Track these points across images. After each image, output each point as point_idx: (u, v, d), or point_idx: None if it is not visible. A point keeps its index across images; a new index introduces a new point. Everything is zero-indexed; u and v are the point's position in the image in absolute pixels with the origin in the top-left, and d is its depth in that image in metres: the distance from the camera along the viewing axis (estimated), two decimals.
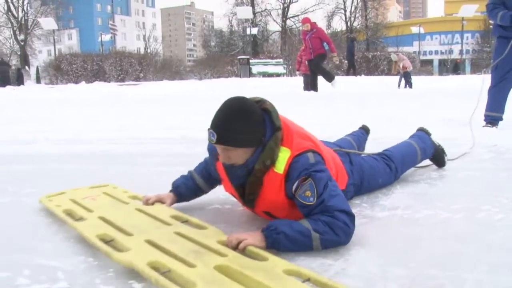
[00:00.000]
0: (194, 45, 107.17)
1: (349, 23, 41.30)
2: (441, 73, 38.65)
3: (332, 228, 1.51)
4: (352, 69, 17.94)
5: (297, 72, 9.40)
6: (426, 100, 7.93)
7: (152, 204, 2.00)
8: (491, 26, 24.26)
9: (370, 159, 2.29)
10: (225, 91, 9.74)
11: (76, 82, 20.80)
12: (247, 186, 1.72)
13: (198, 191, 2.06)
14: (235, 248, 1.49)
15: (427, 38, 43.90)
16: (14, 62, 36.94)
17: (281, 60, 21.13)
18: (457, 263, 1.40)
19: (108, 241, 1.60)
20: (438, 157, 2.71)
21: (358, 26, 41.11)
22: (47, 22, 26.13)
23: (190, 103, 7.85)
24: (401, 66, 13.57)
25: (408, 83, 13.56)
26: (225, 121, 1.59)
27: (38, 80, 28.88)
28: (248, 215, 1.95)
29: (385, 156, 2.35)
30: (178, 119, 5.85)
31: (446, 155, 2.75)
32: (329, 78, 9.18)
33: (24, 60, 28.47)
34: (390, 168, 2.31)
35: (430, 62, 42.53)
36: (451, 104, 6.72)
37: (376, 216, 1.89)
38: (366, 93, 10.04)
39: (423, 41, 37.68)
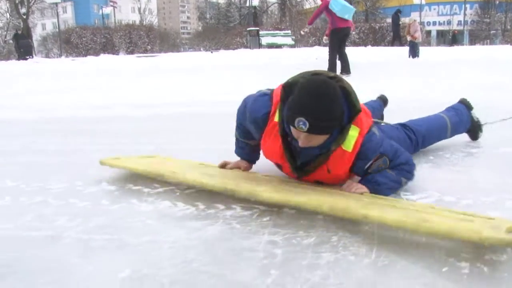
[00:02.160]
0: (188, 18, 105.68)
1: None
2: (438, 44, 38.98)
3: (410, 172, 1.82)
4: (397, 40, 17.78)
5: (325, 38, 8.61)
6: (447, 69, 8.40)
7: (231, 169, 2.06)
8: None
9: (393, 129, 2.27)
10: (249, 62, 10.20)
11: (85, 55, 20.93)
12: (313, 162, 1.75)
13: (257, 151, 2.04)
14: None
15: (425, 8, 43.94)
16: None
17: (289, 31, 21.41)
18: None
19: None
20: (473, 130, 2.66)
21: None
22: None
23: (223, 72, 8.33)
24: (414, 34, 13.33)
25: (414, 53, 13.64)
26: (318, 112, 1.54)
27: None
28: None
29: (407, 127, 2.32)
30: (227, 85, 6.39)
31: (481, 132, 2.69)
32: (346, 69, 7.71)
33: (27, 33, 28.43)
34: (411, 140, 2.28)
35: (428, 33, 42.72)
36: (474, 73, 7.22)
37: None
38: (384, 63, 10.39)
39: (421, 12, 37.80)
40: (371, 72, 8.12)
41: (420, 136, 2.32)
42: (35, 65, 11.42)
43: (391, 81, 6.88)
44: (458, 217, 1.43)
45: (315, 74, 1.69)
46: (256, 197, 1.64)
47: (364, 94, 2.38)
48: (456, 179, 2.07)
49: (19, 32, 18.37)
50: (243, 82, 6.70)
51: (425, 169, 2.22)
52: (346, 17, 7.62)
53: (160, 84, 6.89)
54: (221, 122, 2.52)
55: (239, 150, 2.09)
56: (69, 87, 6.97)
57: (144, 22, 62.06)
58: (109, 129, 3.67)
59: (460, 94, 2.78)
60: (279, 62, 10.10)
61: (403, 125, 2.34)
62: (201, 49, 44.32)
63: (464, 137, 2.72)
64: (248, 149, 2.06)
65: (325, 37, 8.35)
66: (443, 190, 1.88)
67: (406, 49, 14.21)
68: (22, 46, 18.72)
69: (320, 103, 1.55)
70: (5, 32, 43.19)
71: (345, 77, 6.59)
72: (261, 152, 1.98)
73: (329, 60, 7.70)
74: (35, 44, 32.90)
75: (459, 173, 2.18)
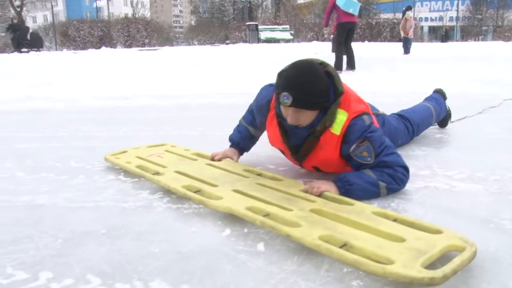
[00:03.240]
0: (181, 11, 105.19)
1: None
2: (430, 39, 39.38)
3: (394, 179, 1.74)
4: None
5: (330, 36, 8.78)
6: (444, 63, 8.70)
7: (219, 160, 2.14)
8: None
9: (393, 119, 2.39)
10: (249, 56, 10.40)
11: (84, 48, 20.91)
12: (304, 145, 1.83)
13: (253, 140, 2.21)
14: (315, 194, 1.65)
15: (417, 4, 44.32)
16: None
17: (287, 26, 21.56)
18: None
19: (195, 192, 1.71)
20: (444, 120, 2.91)
21: None
22: None
23: (229, 65, 8.53)
24: (409, 30, 13.46)
25: (407, 49, 13.88)
26: (299, 85, 1.65)
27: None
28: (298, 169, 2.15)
29: (404, 117, 2.47)
30: (238, 78, 6.60)
31: (450, 119, 2.96)
32: (336, 66, 7.62)
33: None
34: (408, 130, 2.45)
35: (421, 29, 43.13)
36: (472, 67, 7.53)
37: None
38: (382, 58, 10.64)
39: (414, 8, 38.16)
40: (373, 67, 8.36)
41: (416, 125, 2.52)
42: (43, 57, 11.50)
43: (393, 74, 7.15)
44: (397, 233, 1.32)
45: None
46: (205, 204, 1.64)
47: (367, 86, 2.56)
48: (482, 160, 2.32)
49: (15, 21, 17.74)
50: (253, 74, 6.91)
51: (452, 151, 2.50)
52: (350, 11, 7.75)
53: (173, 76, 7.07)
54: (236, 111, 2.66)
55: (235, 134, 2.21)
56: (85, 79, 7.12)
57: (137, 16, 61.96)
58: (142, 117, 3.87)
59: (460, 87, 3.04)
60: (283, 56, 10.32)
61: (399, 115, 2.49)
62: (195, 43, 44.32)
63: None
64: (244, 134, 2.17)
65: (331, 35, 8.49)
66: (473, 168, 2.15)
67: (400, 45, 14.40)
68: (33, 38, 18.58)
69: (302, 79, 1.66)
70: None
71: (350, 72, 6.70)
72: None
73: (335, 55, 7.86)
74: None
75: (483, 155, 2.43)
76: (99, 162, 2.39)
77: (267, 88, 2.06)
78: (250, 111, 2.19)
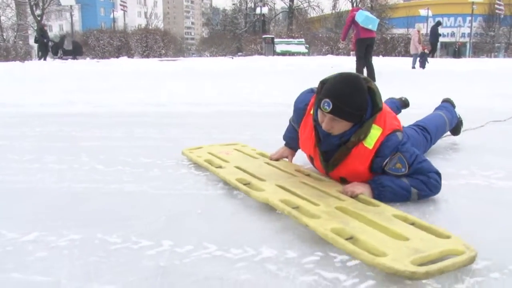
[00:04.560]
0: (192, 23, 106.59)
1: (355, 4, 41.82)
2: (441, 55, 39.63)
3: (428, 186, 1.80)
4: (432, 52, 17.74)
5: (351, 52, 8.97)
6: (463, 77, 8.93)
7: (277, 160, 2.37)
8: (496, 11, 24.77)
9: (412, 131, 2.47)
10: (268, 68, 10.70)
11: (102, 57, 21.36)
12: (336, 154, 1.90)
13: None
14: (350, 196, 1.76)
15: (429, 20, 44.68)
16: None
17: (302, 39, 21.96)
18: None
19: (245, 184, 1.94)
20: (456, 127, 2.98)
21: (364, 8, 41.60)
22: None
23: (254, 76, 8.84)
24: (420, 44, 13.65)
25: (422, 64, 14.15)
26: (342, 95, 1.75)
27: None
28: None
29: (422, 128, 2.56)
30: (263, 88, 6.89)
31: (462, 126, 3.04)
32: (371, 78, 7.48)
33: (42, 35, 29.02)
34: (426, 139, 2.53)
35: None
36: (491, 82, 7.75)
37: None
38: (400, 71, 10.87)
39: (425, 23, 38.50)
40: (394, 80, 8.61)
41: (433, 133, 2.61)
42: (74, 64, 11.92)
43: (414, 87, 7.40)
44: (404, 233, 1.41)
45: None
46: (248, 194, 1.85)
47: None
48: None
49: (45, 28, 17.86)
50: (277, 85, 7.19)
51: (486, 155, 2.74)
52: (369, 27, 8.01)
53: (200, 85, 7.40)
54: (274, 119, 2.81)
55: (286, 133, 2.37)
56: (115, 86, 7.46)
57: (150, 27, 63.00)
58: (186, 122, 4.15)
59: (481, 100, 3.18)
60: (300, 69, 10.61)
61: (417, 126, 2.58)
62: (207, 54, 44.95)
63: None
64: (293, 134, 2.28)
65: (351, 51, 8.69)
66: (507, 169, 2.39)
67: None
68: (74, 46, 18.95)
69: (345, 90, 1.75)
70: (15, 33, 43.65)
71: None
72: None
73: (356, 69, 8.03)
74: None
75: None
76: (166, 158, 2.66)
77: (306, 92, 2.19)
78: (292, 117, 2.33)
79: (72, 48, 18.83)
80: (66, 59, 16.81)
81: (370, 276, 1.27)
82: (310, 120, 1.99)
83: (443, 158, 2.67)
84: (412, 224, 1.49)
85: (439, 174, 1.85)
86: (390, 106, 2.68)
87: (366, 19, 8.09)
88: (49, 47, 18.22)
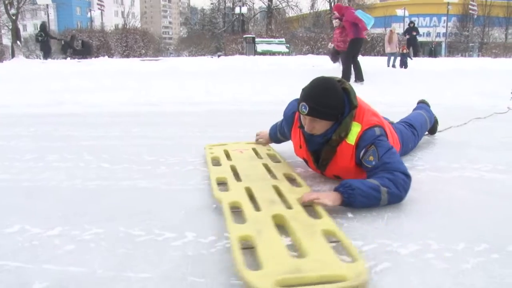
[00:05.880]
0: (170, 23, 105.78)
1: (332, 3, 42.14)
2: (415, 55, 40.28)
3: (395, 184, 1.78)
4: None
5: (329, 44, 8.93)
6: (443, 77, 9.15)
7: (256, 141, 2.81)
8: (470, 11, 25.30)
9: (402, 126, 2.62)
10: (255, 68, 10.77)
11: (81, 57, 21.01)
12: (322, 153, 2.04)
13: (278, 140, 2.67)
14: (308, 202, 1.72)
15: (405, 20, 45.44)
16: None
17: (283, 39, 22.11)
18: None
19: (220, 183, 2.05)
20: (433, 127, 3.17)
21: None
22: None
23: (238, 76, 8.90)
24: (398, 45, 13.89)
25: (405, 64, 14.46)
26: (316, 97, 1.88)
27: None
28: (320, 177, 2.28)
29: (409, 124, 2.71)
30: (252, 88, 6.97)
31: (438, 125, 3.22)
32: (360, 77, 8.02)
33: (16, 35, 28.39)
34: (414, 135, 2.69)
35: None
36: (470, 81, 7.99)
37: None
38: (381, 71, 11.00)
39: (401, 23, 39.18)
40: (376, 79, 8.81)
41: (419, 130, 2.79)
42: (60, 65, 11.76)
43: (397, 86, 7.59)
44: (309, 249, 1.36)
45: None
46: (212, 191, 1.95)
47: (370, 97, 2.91)
48: (500, 157, 2.72)
49: (44, 27, 16.84)
50: (264, 84, 7.27)
51: (473, 150, 2.90)
52: (369, 27, 8.06)
53: (187, 84, 7.40)
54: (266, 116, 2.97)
55: (273, 130, 2.67)
56: (102, 86, 7.40)
57: (128, 26, 62.25)
58: (181, 120, 4.23)
59: (462, 98, 3.37)
60: (284, 68, 10.72)
61: (404, 122, 2.74)
62: (186, 54, 44.71)
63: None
64: (275, 131, 2.64)
65: (330, 44, 8.76)
66: (494, 162, 2.54)
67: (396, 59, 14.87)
68: (84, 46, 18.39)
69: (319, 92, 1.89)
70: None
71: (359, 85, 6.83)
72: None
73: (344, 68, 8.05)
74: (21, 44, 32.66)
75: (500, 153, 2.84)
76: (170, 156, 2.73)
77: (293, 102, 2.31)
78: (281, 121, 2.50)
79: (82, 47, 18.29)
80: (74, 58, 16.16)
81: (386, 259, 1.38)
82: (298, 126, 2.13)
83: (433, 153, 2.82)
84: (335, 242, 1.43)
85: (408, 176, 1.84)
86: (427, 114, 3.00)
87: (368, 19, 8.20)
88: (50, 46, 17.23)
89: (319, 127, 1.93)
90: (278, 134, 2.60)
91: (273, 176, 2.14)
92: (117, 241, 1.54)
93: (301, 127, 2.05)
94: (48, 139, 3.42)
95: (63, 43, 18.79)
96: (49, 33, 18.04)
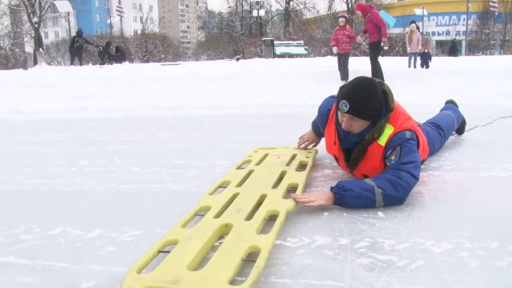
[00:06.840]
0: (188, 27, 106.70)
1: (350, 4, 41.96)
2: (437, 54, 39.84)
3: (394, 186, 1.79)
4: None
5: (334, 48, 8.83)
6: (464, 76, 9.02)
7: (300, 146, 2.66)
8: (491, 8, 24.85)
9: (428, 127, 2.63)
10: (275, 70, 10.81)
11: (102, 63, 21.34)
12: (354, 152, 2.06)
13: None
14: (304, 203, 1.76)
15: (424, 19, 44.98)
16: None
17: (302, 41, 22.10)
18: None
19: (221, 186, 2.06)
20: (461, 127, 3.17)
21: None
22: (63, 5, 26.56)
23: (259, 79, 8.95)
24: (417, 42, 13.64)
25: (426, 63, 14.29)
26: (358, 96, 1.92)
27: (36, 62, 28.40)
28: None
29: (436, 125, 2.72)
30: (274, 91, 7.02)
31: (466, 125, 3.22)
32: (377, 74, 7.97)
33: (38, 42, 29.07)
34: (441, 135, 2.71)
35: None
36: (493, 80, 7.89)
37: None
38: (401, 72, 10.89)
39: (420, 22, 38.76)
40: (396, 80, 8.75)
41: (446, 130, 2.79)
42: (82, 71, 12.01)
43: (418, 87, 7.54)
44: (216, 258, 1.33)
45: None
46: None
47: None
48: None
49: (82, 33, 16.92)
50: (285, 87, 7.31)
51: (499, 150, 2.88)
52: (389, 30, 8.24)
53: (208, 88, 7.51)
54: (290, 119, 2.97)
55: (313, 124, 2.60)
56: (124, 91, 7.57)
57: (146, 31, 63.05)
58: (204, 124, 4.30)
59: (486, 99, 3.34)
60: (304, 70, 10.72)
61: (431, 123, 2.74)
62: (204, 58, 45.03)
63: None
64: (317, 126, 2.53)
65: (335, 48, 8.88)
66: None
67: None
68: (118, 51, 18.75)
69: (360, 91, 1.93)
70: (12, 41, 43.73)
71: None
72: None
73: (375, 69, 8.05)
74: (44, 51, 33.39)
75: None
76: (198, 159, 2.79)
77: (328, 99, 2.40)
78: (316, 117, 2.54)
79: (116, 53, 18.63)
80: (112, 63, 16.32)
81: (419, 257, 1.40)
82: (333, 123, 2.17)
83: (460, 153, 2.82)
84: (252, 261, 1.32)
85: (415, 178, 1.85)
86: (455, 114, 3.00)
87: (390, 20, 8.18)
88: (82, 52, 17.21)
89: (357, 126, 1.97)
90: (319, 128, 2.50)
91: (274, 186, 2.05)
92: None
93: (338, 124, 2.08)
94: (78, 144, 3.53)
95: (101, 49, 19.03)
96: (86, 39, 17.98)
